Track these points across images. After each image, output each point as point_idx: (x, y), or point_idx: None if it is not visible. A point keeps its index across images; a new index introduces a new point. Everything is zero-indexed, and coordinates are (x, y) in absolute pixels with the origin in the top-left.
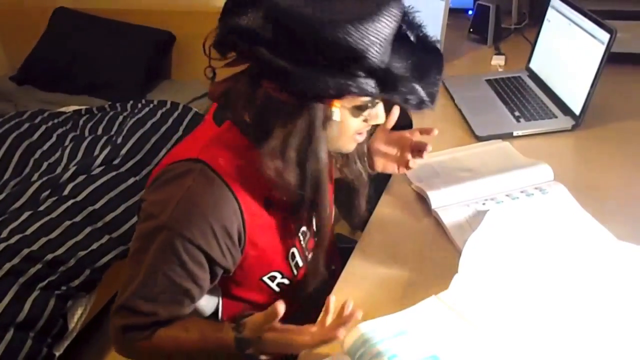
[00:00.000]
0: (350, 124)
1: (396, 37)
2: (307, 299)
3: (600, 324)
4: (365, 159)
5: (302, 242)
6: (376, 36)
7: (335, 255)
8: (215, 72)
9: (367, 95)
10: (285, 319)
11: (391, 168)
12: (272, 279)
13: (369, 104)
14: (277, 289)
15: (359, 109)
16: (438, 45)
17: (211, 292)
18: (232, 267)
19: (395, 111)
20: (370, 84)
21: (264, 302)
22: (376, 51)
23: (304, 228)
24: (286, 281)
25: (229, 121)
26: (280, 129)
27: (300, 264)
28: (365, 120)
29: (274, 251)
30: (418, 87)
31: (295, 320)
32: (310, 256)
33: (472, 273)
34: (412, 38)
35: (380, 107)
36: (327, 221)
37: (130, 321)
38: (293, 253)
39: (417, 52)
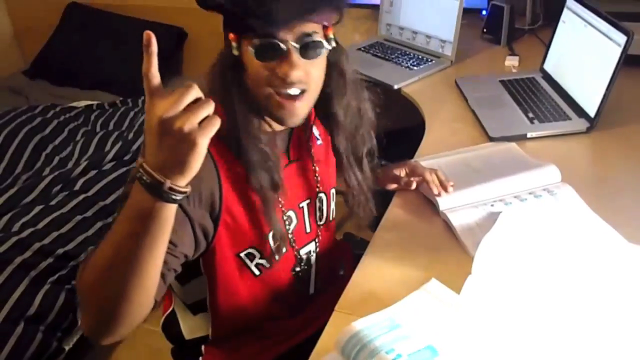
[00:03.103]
0: (255, 69)
1: None
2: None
3: (610, 328)
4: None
5: (287, 227)
6: None
7: (346, 260)
8: None
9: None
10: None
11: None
12: (250, 257)
13: (263, 45)
14: (256, 271)
15: (257, 50)
16: None
17: (197, 283)
18: (206, 230)
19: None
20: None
21: (247, 291)
22: None
23: (290, 212)
24: (266, 263)
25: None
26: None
27: (284, 250)
28: (272, 70)
29: (252, 225)
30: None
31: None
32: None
33: (485, 275)
34: None
35: (291, 57)
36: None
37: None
38: (274, 234)
39: None
